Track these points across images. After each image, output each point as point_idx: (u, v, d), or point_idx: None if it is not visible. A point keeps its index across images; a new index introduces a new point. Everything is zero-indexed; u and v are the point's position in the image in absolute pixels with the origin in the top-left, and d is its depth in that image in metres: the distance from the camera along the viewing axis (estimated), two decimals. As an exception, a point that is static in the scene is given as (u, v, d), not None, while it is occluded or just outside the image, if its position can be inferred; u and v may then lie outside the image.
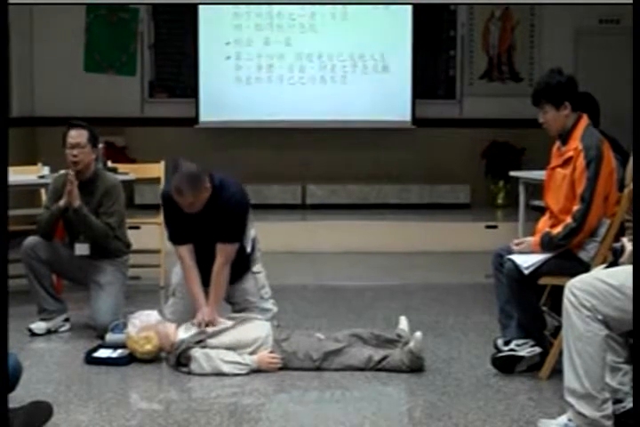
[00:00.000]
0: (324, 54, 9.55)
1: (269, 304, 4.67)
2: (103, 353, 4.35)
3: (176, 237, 4.56)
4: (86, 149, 4.91)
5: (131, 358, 4.31)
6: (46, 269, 4.91)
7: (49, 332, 4.89)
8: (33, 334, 4.82)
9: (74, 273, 5.03)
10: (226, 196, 4.43)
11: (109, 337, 4.48)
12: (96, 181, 4.97)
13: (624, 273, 3.13)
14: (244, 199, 4.53)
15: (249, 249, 4.65)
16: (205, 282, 4.54)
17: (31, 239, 4.89)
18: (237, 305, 4.67)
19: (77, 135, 4.90)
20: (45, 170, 6.08)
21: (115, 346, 4.39)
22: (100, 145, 5.90)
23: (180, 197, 4.30)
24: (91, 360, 4.30)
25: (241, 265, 4.61)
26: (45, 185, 5.22)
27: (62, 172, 5.09)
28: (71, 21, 9.29)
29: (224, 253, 4.46)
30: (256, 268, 4.70)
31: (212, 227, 4.43)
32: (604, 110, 5.16)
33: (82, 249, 4.93)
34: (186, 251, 4.52)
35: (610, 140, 4.33)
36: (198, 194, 4.31)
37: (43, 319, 4.91)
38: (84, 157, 4.91)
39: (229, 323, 4.33)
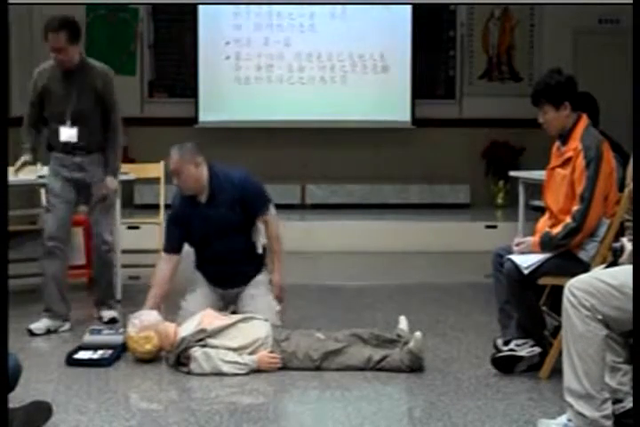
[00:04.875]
0: (323, 54, 9.55)
1: (278, 321, 4.67)
2: (84, 355, 4.32)
3: (171, 246, 4.73)
4: (68, 49, 4.83)
5: (114, 359, 4.30)
6: (63, 269, 4.93)
7: (48, 332, 4.89)
8: (32, 334, 4.82)
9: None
10: (229, 178, 4.68)
11: (87, 338, 4.49)
12: (84, 68, 4.93)
13: (624, 273, 3.13)
14: (250, 177, 4.76)
15: (260, 250, 4.76)
16: (226, 284, 4.73)
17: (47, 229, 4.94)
18: (240, 302, 4.72)
19: (55, 40, 4.79)
20: (45, 170, 6.06)
21: (94, 347, 4.39)
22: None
23: (170, 160, 4.62)
24: (72, 362, 4.27)
25: (253, 265, 4.76)
26: (45, 185, 5.23)
27: (45, 65, 4.99)
28: (71, 21, 9.28)
29: (271, 223, 4.76)
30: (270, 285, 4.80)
31: (229, 217, 4.62)
32: (603, 110, 5.16)
33: (69, 135, 4.91)
34: (170, 263, 4.70)
35: (609, 140, 4.33)
36: (185, 162, 4.59)
37: (46, 317, 4.91)
38: (69, 57, 4.86)
39: (230, 320, 4.32)
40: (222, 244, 4.66)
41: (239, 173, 4.76)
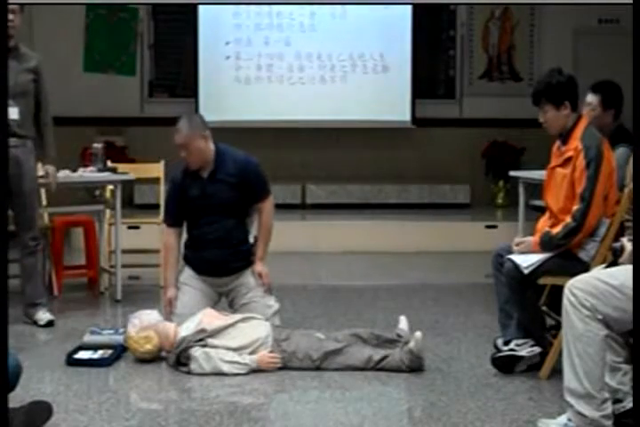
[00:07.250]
0: (323, 54, 9.55)
1: (271, 300, 4.67)
2: (84, 355, 4.32)
3: (172, 218, 4.74)
4: (19, 14, 4.88)
5: (114, 359, 4.30)
6: None
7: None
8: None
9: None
10: (233, 156, 4.70)
11: (87, 338, 4.49)
12: (18, 48, 4.97)
13: (624, 273, 3.13)
14: (252, 158, 4.77)
15: (252, 239, 4.71)
16: (217, 272, 4.64)
17: None
18: (237, 301, 4.68)
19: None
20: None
21: (95, 347, 4.39)
22: (100, 145, 5.91)
23: (177, 134, 4.60)
24: (72, 362, 4.26)
25: (242, 257, 4.67)
26: (45, 185, 5.22)
27: None
28: (71, 21, 9.28)
29: (266, 210, 4.70)
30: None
31: (226, 195, 4.59)
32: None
33: (11, 113, 4.87)
34: (175, 235, 4.72)
35: (627, 133, 4.39)
36: (194, 135, 4.57)
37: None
38: (19, 24, 4.92)
39: (230, 320, 4.32)
40: (213, 223, 4.59)
41: (243, 154, 4.77)
